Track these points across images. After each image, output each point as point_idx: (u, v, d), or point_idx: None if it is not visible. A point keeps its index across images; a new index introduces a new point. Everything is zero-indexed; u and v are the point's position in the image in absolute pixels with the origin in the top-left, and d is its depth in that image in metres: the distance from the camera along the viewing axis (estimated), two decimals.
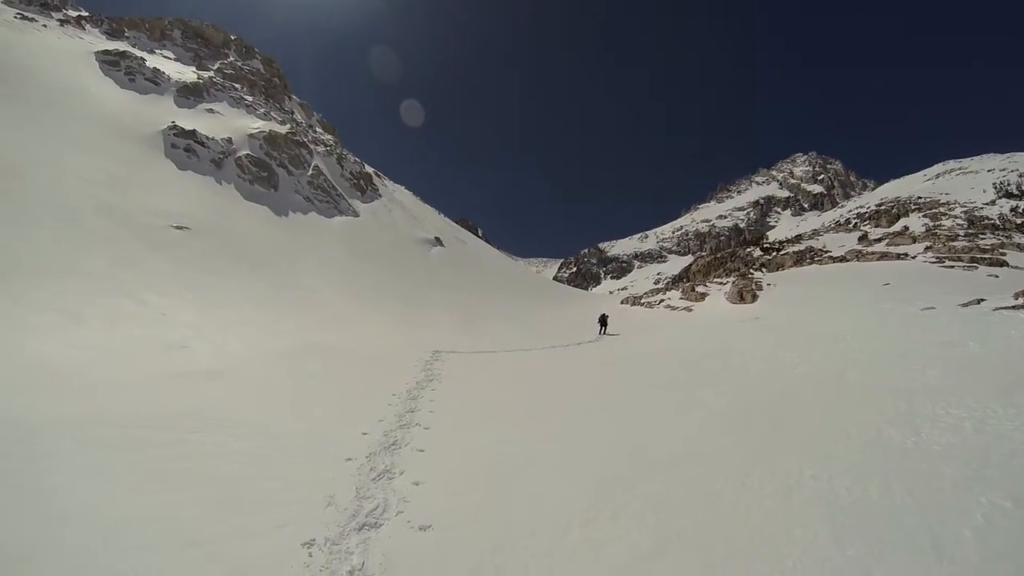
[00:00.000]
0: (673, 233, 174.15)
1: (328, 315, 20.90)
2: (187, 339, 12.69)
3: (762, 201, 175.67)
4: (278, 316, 18.50)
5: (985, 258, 22.88)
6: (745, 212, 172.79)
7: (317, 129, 58.97)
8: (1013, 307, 11.62)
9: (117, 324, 12.57)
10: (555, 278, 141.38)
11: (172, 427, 7.05)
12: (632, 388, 11.62)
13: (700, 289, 26.94)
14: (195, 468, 5.96)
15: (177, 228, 23.99)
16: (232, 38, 61.37)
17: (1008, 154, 67.05)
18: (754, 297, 21.54)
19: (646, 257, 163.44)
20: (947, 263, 22.59)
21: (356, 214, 42.64)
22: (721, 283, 27.16)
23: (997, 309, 11.77)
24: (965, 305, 12.89)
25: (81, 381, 8.42)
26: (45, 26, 43.78)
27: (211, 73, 50.88)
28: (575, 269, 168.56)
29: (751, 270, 31.39)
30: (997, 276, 19.51)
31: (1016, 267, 21.22)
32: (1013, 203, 40.38)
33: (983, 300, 12.96)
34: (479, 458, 7.16)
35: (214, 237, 25.45)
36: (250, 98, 50.70)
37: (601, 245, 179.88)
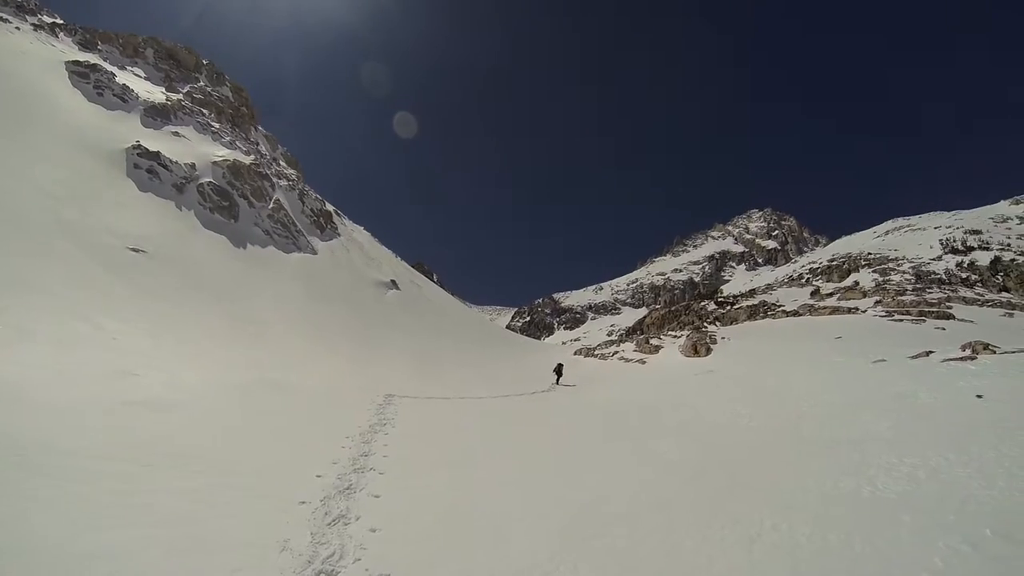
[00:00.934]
0: (628, 285, 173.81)
1: (283, 352, 20.37)
2: (139, 366, 12.12)
3: (717, 255, 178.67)
4: (232, 349, 17.96)
5: (932, 311, 23.94)
6: (700, 266, 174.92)
7: (281, 163, 58.39)
8: (960, 358, 12.15)
9: (68, 345, 12.01)
10: (508, 326, 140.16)
11: (123, 458, 6.68)
12: (588, 438, 11.62)
13: (654, 342, 27.11)
14: (147, 504, 5.63)
15: (134, 251, 23.24)
16: (204, 62, 60.77)
17: (953, 212, 71.03)
18: (708, 350, 21.79)
19: (600, 309, 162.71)
20: (896, 317, 23.55)
21: (314, 252, 41.88)
22: (675, 336, 27.47)
23: (945, 360, 12.28)
24: (914, 357, 13.38)
25: (29, 402, 7.95)
26: (19, 28, 42.87)
27: (180, 96, 50.04)
28: (528, 318, 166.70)
29: (705, 323, 31.91)
30: (944, 328, 20.36)
31: (962, 320, 22.23)
32: (958, 258, 42.69)
33: (932, 352, 13.49)
34: (435, 505, 6.96)
35: (172, 263, 24.74)
36: (217, 125, 49.92)
37: (555, 295, 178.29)
